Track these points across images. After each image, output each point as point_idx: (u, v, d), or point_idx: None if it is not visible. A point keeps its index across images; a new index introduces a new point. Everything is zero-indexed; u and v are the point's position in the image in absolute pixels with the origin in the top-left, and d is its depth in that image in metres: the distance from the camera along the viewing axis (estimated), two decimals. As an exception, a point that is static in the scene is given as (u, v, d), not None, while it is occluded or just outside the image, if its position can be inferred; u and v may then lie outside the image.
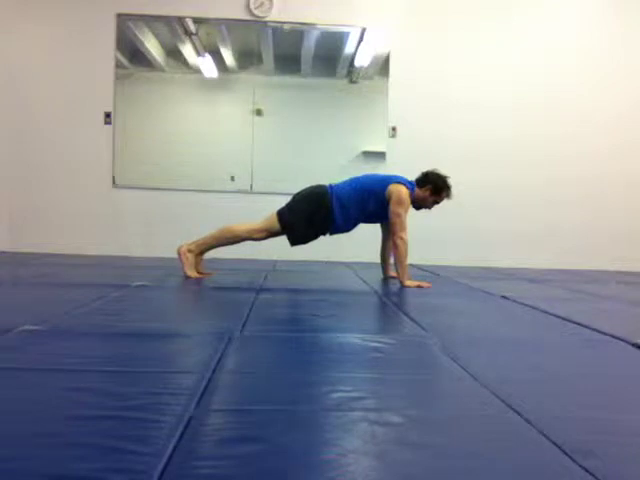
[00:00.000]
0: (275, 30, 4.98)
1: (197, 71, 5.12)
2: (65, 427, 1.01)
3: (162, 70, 5.14)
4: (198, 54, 5.09)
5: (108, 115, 4.93)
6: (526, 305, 2.63)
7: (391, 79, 5.05)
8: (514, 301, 2.77)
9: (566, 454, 0.96)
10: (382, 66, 5.09)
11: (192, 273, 3.29)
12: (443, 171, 3.39)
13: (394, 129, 5.06)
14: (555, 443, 1.00)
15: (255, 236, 3.31)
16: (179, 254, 3.32)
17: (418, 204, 3.41)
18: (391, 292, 3.10)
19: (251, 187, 5.04)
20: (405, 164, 4.30)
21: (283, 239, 3.34)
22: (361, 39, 5.02)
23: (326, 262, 4.67)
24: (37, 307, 2.22)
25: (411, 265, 3.67)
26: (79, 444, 0.93)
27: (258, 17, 4.90)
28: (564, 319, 2.27)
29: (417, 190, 3.36)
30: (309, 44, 5.08)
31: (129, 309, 2.24)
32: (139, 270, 3.71)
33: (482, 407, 1.20)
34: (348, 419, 1.10)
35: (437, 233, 4.82)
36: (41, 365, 1.38)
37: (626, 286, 3.87)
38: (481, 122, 5.08)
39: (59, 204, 4.94)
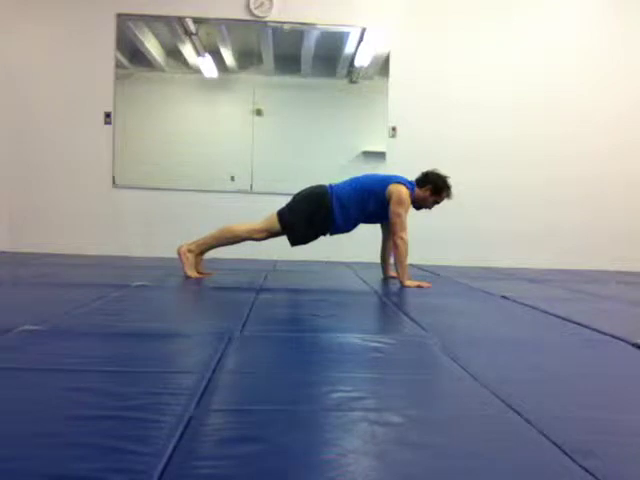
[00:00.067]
0: (275, 30, 4.98)
1: (197, 71, 5.12)
2: (65, 427, 1.01)
3: (162, 70, 5.14)
4: (198, 54, 5.09)
5: (108, 115, 4.93)
6: (526, 305, 2.63)
7: (391, 79, 5.05)
8: (514, 301, 2.77)
9: (566, 454, 0.96)
10: (382, 66, 5.09)
11: (192, 273, 3.29)
12: (443, 171, 3.39)
13: (394, 129, 5.06)
14: (555, 443, 1.00)
15: (255, 236, 3.31)
16: (179, 254, 3.32)
17: (418, 204, 3.41)
18: (391, 292, 3.10)
19: (251, 187, 5.04)
20: (405, 164, 4.30)
21: (283, 239, 3.34)
22: (361, 39, 5.02)
23: (326, 262, 4.67)
24: (37, 307, 2.22)
25: (411, 265, 3.67)
26: (79, 444, 0.93)
27: (258, 17, 4.91)
28: (564, 319, 2.27)
29: (417, 190, 3.36)
30: (309, 44, 5.08)
31: (129, 309, 2.24)
32: (139, 270, 3.71)
33: (482, 407, 1.20)
34: (348, 419, 1.10)
35: (437, 233, 4.82)
36: (41, 365, 1.38)
37: (626, 286, 3.87)
38: (481, 122, 5.08)
39: (59, 204, 4.94)
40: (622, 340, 1.89)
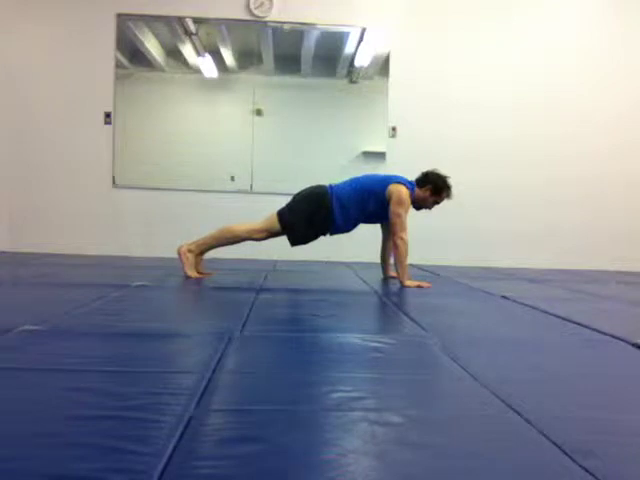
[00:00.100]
0: (275, 30, 4.98)
1: (197, 71, 5.12)
2: (65, 427, 1.01)
3: (162, 70, 5.14)
4: (198, 54, 5.09)
5: (108, 115, 4.93)
6: (526, 305, 2.63)
7: (391, 79, 5.05)
8: (514, 301, 2.77)
9: (566, 454, 0.96)
10: (382, 66, 5.09)
11: (192, 273, 3.29)
12: (443, 171, 3.39)
13: (394, 129, 5.06)
14: (555, 443, 1.00)
15: (255, 236, 3.31)
16: (179, 254, 3.32)
17: (418, 204, 3.41)
18: (391, 292, 3.10)
19: (251, 187, 5.04)
20: (405, 164, 4.30)
21: (283, 239, 3.34)
22: (361, 39, 5.02)
23: (326, 262, 4.67)
24: (37, 307, 2.22)
25: (411, 265, 3.67)
26: (79, 444, 0.93)
27: (258, 17, 4.91)
28: (564, 319, 2.27)
29: (417, 190, 3.36)
30: (309, 44, 5.08)
31: (129, 309, 2.24)
32: (139, 270, 3.71)
33: (482, 407, 1.20)
34: (348, 419, 1.10)
35: (437, 233, 4.82)
36: (41, 365, 1.38)
37: (626, 286, 3.87)
38: (481, 122, 5.09)
39: (59, 204, 4.95)
40: (622, 340, 1.89)
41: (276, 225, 3.26)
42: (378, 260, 3.75)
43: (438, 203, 3.42)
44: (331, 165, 4.99)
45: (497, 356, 1.69)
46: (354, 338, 1.81)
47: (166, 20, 4.94)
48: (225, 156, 5.11)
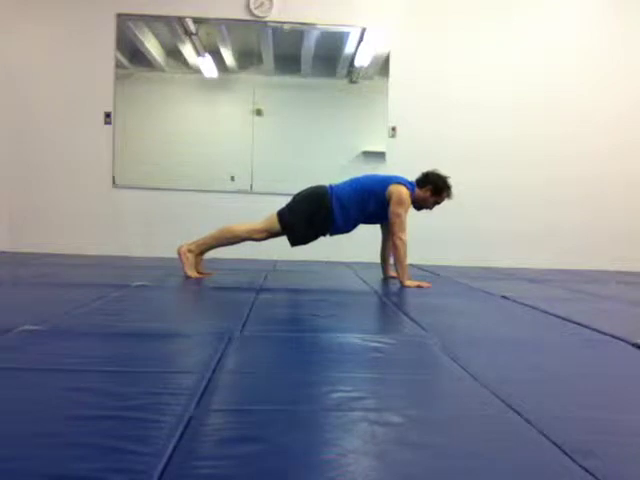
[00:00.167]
0: (275, 30, 4.98)
1: (197, 71, 5.12)
2: (65, 427, 1.01)
3: (162, 70, 5.14)
4: (198, 54, 5.09)
5: (108, 115, 4.93)
6: (526, 305, 2.63)
7: (391, 79, 5.05)
8: (514, 301, 2.77)
9: (566, 454, 0.96)
10: (382, 66, 5.09)
11: (192, 273, 3.29)
12: (443, 171, 3.39)
13: (394, 129, 5.06)
14: (555, 443, 1.00)
15: (255, 236, 3.31)
16: (179, 254, 3.32)
17: (419, 204, 3.41)
18: (391, 292, 3.10)
19: (251, 187, 5.04)
20: (405, 164, 4.30)
21: (283, 239, 3.34)
22: (361, 39, 5.02)
23: (326, 262, 4.67)
24: (37, 307, 2.22)
25: (411, 265, 3.68)
26: (79, 444, 0.93)
27: (258, 17, 4.91)
28: (564, 319, 2.27)
29: (417, 190, 3.36)
30: (309, 44, 5.08)
31: (129, 309, 2.24)
32: (139, 270, 3.71)
33: (482, 407, 1.20)
34: (348, 419, 1.10)
35: (437, 233, 4.82)
36: (41, 365, 1.38)
37: (626, 286, 3.87)
38: (481, 122, 5.09)
39: (59, 204, 4.95)
40: (622, 340, 1.89)
41: (276, 225, 3.25)
42: (378, 260, 3.75)
43: (439, 203, 3.42)
44: (331, 165, 4.99)
45: (497, 356, 1.69)
46: (354, 338, 1.81)
47: (166, 20, 4.95)
48: (225, 156, 5.11)
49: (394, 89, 5.04)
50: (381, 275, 3.70)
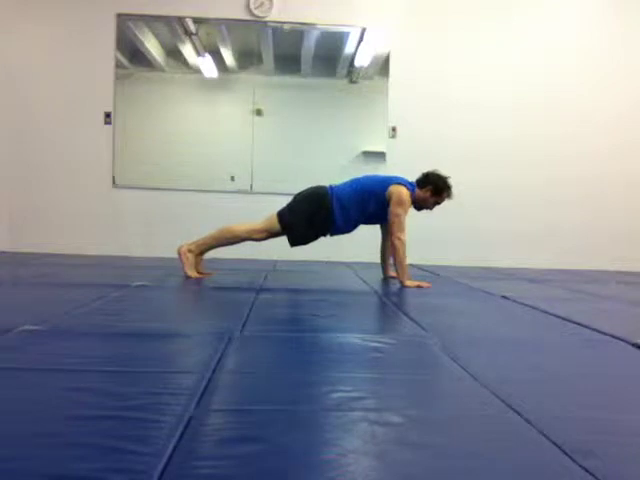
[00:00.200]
0: (275, 30, 4.98)
1: (197, 71, 5.13)
2: (65, 427, 1.01)
3: (162, 70, 5.14)
4: (198, 54, 5.09)
5: (108, 115, 4.93)
6: (526, 305, 2.63)
7: (391, 79, 5.05)
8: (514, 301, 2.77)
9: (566, 454, 0.96)
10: (382, 66, 5.09)
11: (192, 273, 3.29)
12: (443, 171, 3.39)
13: (394, 129, 5.06)
14: (555, 443, 1.00)
15: (255, 236, 3.31)
16: (179, 254, 3.32)
17: (419, 205, 3.41)
18: (391, 292, 3.10)
19: (251, 187, 5.04)
20: (405, 164, 4.30)
21: (283, 239, 3.34)
22: (361, 39, 5.02)
23: (326, 262, 4.67)
24: (37, 307, 2.22)
25: (411, 265, 3.67)
26: (79, 444, 0.93)
27: (258, 17, 4.91)
28: (564, 319, 2.27)
29: (418, 191, 3.36)
30: (309, 44, 5.08)
31: (129, 309, 2.24)
32: (139, 270, 3.71)
33: (482, 407, 1.20)
34: (348, 419, 1.10)
35: (437, 233, 4.82)
36: (41, 365, 1.38)
37: (626, 286, 3.87)
38: (481, 122, 5.09)
39: (59, 204, 4.95)
40: (622, 340, 1.89)
41: (276, 225, 3.25)
42: (378, 260, 3.75)
43: (439, 203, 3.42)
44: (331, 165, 4.99)
45: (497, 356, 1.69)
46: (354, 338, 1.81)
47: (166, 20, 4.95)
48: (225, 156, 5.11)
49: (394, 89, 5.04)
50: (381, 275, 3.70)
